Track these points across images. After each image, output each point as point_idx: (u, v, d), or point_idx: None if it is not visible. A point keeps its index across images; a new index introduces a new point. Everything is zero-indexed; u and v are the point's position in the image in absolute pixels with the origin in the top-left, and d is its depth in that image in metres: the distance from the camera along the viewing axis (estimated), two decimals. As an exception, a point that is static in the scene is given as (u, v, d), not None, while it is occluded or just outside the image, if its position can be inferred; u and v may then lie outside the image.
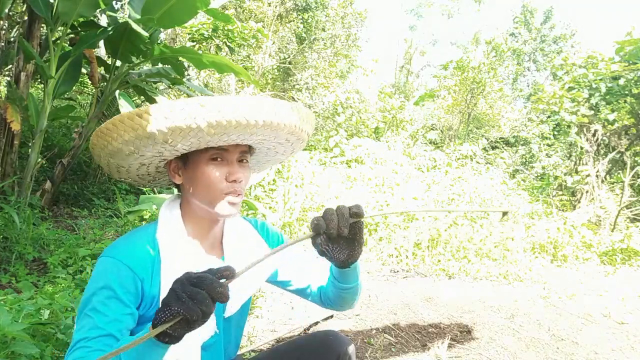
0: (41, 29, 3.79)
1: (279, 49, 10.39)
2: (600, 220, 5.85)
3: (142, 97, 4.96)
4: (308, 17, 10.52)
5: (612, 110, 6.06)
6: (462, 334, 2.61)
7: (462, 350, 2.40)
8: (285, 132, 0.96)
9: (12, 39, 4.11)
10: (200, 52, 6.37)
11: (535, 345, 2.52)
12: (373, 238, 4.36)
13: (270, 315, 2.64)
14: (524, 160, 9.56)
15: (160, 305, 0.74)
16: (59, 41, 3.53)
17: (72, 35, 4.02)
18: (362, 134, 9.77)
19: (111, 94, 4.19)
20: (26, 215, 3.19)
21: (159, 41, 4.47)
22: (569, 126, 7.03)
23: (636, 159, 6.38)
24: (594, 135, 6.52)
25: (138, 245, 0.97)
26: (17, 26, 4.33)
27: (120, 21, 3.73)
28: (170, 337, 0.73)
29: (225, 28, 6.61)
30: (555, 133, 7.92)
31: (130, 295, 0.92)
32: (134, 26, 3.33)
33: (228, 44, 6.85)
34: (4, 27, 4.00)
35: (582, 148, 6.74)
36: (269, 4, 10.12)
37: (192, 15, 3.95)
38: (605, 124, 6.20)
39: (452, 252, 4.18)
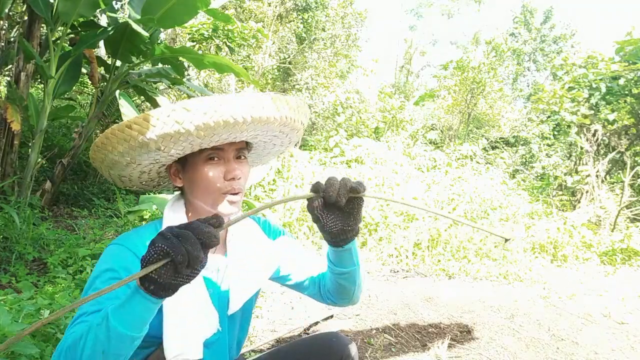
0: (41, 29, 3.79)
1: (279, 49, 10.39)
2: (600, 220, 5.85)
3: (142, 97, 4.96)
4: (308, 17, 10.51)
5: (612, 110, 6.06)
6: (462, 334, 2.61)
7: (462, 350, 2.40)
8: (277, 125, 0.96)
9: (12, 39, 4.11)
10: (200, 52, 6.38)
11: (535, 345, 2.52)
12: (373, 238, 4.36)
13: (270, 315, 2.64)
14: (524, 160, 9.56)
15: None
16: (59, 41, 3.53)
17: (72, 35, 4.02)
18: (362, 134, 9.77)
19: (111, 94, 4.19)
20: (26, 215, 3.19)
21: (159, 41, 4.47)
22: (569, 126, 7.03)
23: (636, 159, 6.38)
24: (594, 135, 6.52)
25: (145, 236, 0.98)
26: (17, 26, 4.34)
27: (120, 21, 3.74)
28: (154, 284, 0.71)
29: (225, 28, 6.61)
30: (555, 133, 7.92)
31: (134, 284, 0.93)
32: (134, 26, 3.33)
33: (228, 44, 6.85)
34: (4, 27, 4.00)
35: (582, 148, 6.74)
36: (269, 4, 10.11)
37: (192, 15, 3.95)
38: (605, 124, 6.20)
39: (452, 252, 4.18)
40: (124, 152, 0.91)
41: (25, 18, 3.76)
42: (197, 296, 0.98)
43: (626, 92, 6.01)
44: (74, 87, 5.33)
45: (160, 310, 0.93)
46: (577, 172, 6.72)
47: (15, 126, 3.26)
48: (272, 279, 1.20)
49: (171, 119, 0.85)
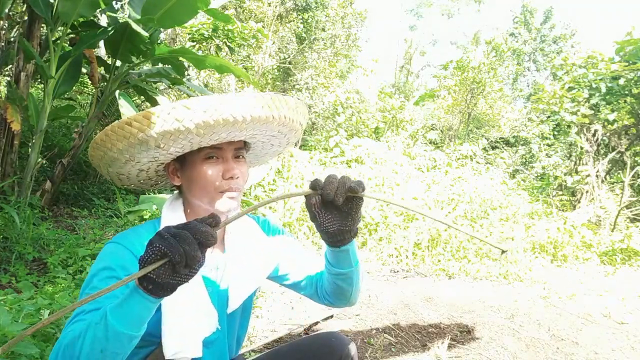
0: (41, 29, 3.79)
1: (279, 49, 10.38)
2: (600, 220, 5.85)
3: (142, 97, 4.96)
4: (308, 17, 10.51)
5: (612, 110, 6.05)
6: (462, 334, 2.61)
7: (462, 350, 2.40)
8: (276, 125, 0.96)
9: (12, 39, 4.11)
10: (200, 52, 6.38)
11: (535, 345, 2.52)
12: (373, 238, 4.36)
13: (270, 315, 2.64)
14: (524, 160, 9.56)
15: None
16: (59, 41, 3.53)
17: (72, 35, 4.02)
18: (362, 134, 9.77)
19: (111, 94, 4.19)
20: (26, 215, 3.19)
21: (159, 41, 4.47)
22: (569, 126, 7.03)
23: (636, 159, 6.38)
24: (594, 135, 6.51)
25: (143, 235, 0.99)
26: (17, 26, 4.33)
27: (120, 21, 3.74)
28: (152, 284, 0.71)
29: (225, 28, 6.60)
30: (555, 133, 7.92)
31: (132, 284, 0.93)
32: (134, 26, 3.33)
33: (228, 44, 6.85)
34: (4, 27, 4.00)
35: (582, 148, 6.73)
36: (269, 4, 10.11)
37: (192, 15, 3.95)
38: (605, 124, 6.20)
39: (452, 252, 4.18)
40: (124, 150, 0.92)
41: (25, 18, 3.76)
42: (195, 295, 0.98)
43: (626, 92, 6.00)
44: (74, 87, 5.32)
45: (159, 309, 0.93)
46: (577, 172, 6.72)
47: (15, 126, 3.26)
48: (270, 278, 1.20)
49: (171, 117, 0.86)
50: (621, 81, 6.02)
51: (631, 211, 6.03)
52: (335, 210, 0.90)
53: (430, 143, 10.65)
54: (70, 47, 3.81)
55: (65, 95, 4.86)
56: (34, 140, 3.68)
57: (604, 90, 6.13)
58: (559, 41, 16.86)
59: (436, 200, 5.60)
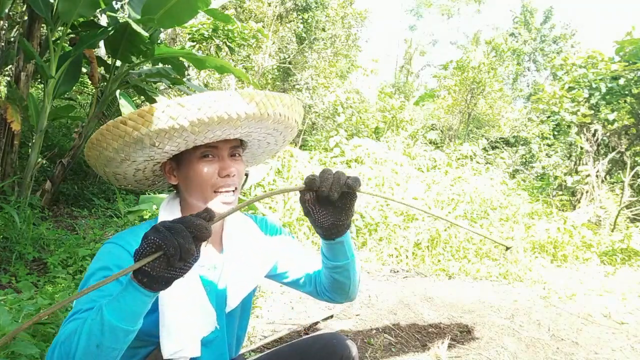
0: (41, 29, 3.80)
1: (279, 49, 10.38)
2: (600, 220, 5.85)
3: (142, 97, 4.96)
4: (308, 17, 10.51)
5: (612, 110, 6.05)
6: (462, 334, 2.61)
7: (462, 350, 2.40)
8: (271, 122, 0.96)
9: (12, 39, 4.11)
10: (200, 52, 6.38)
11: (535, 345, 2.52)
12: (373, 238, 4.36)
13: (270, 315, 2.64)
14: (524, 160, 9.55)
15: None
16: (59, 41, 3.53)
17: (72, 35, 4.02)
18: (362, 134, 9.77)
19: (111, 94, 4.19)
20: (26, 215, 3.19)
21: (159, 41, 4.47)
22: (569, 126, 7.03)
23: (636, 159, 6.37)
24: (594, 135, 6.51)
25: (140, 235, 0.98)
26: (17, 26, 4.34)
27: (120, 21, 3.74)
28: (147, 277, 0.72)
29: (225, 28, 6.61)
30: (555, 133, 7.92)
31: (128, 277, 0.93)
32: (134, 26, 3.33)
33: (228, 44, 6.85)
34: (4, 27, 4.00)
35: (582, 148, 6.73)
36: (269, 4, 10.11)
37: (192, 15, 3.96)
38: (605, 124, 6.19)
39: (452, 252, 4.18)
40: (119, 149, 0.91)
41: (25, 18, 3.76)
42: (193, 294, 0.98)
43: (626, 92, 6.00)
44: (74, 87, 5.33)
45: (157, 309, 0.93)
46: (577, 172, 6.72)
47: (15, 126, 3.26)
48: (269, 277, 1.20)
49: (165, 115, 0.85)
50: (621, 81, 6.01)
51: (631, 211, 6.03)
52: (330, 205, 0.91)
53: (430, 143, 10.65)
54: (70, 47, 3.82)
55: (65, 95, 4.86)
56: (34, 140, 3.68)
57: (604, 90, 6.13)
58: (559, 41, 16.85)
59: (436, 200, 5.60)
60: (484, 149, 10.08)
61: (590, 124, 6.43)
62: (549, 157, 8.00)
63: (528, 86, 17.10)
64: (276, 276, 1.20)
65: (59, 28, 3.68)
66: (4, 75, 5.26)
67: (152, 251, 0.70)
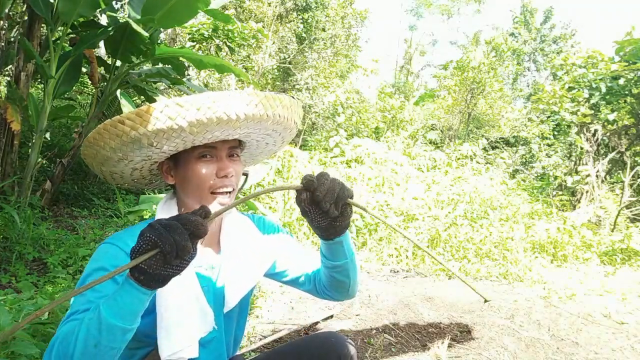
0: (41, 29, 3.79)
1: (279, 49, 10.38)
2: (600, 220, 5.85)
3: (142, 97, 4.96)
4: (308, 17, 10.51)
5: (612, 110, 6.05)
6: (462, 334, 2.61)
7: (462, 350, 2.40)
8: (270, 123, 0.95)
9: (12, 39, 4.11)
10: (200, 52, 6.38)
11: (535, 345, 2.52)
12: (373, 238, 4.36)
13: (270, 315, 2.64)
14: (524, 160, 9.56)
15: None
16: (59, 41, 3.53)
17: (72, 35, 4.02)
18: (362, 134, 9.77)
19: (111, 94, 4.19)
20: (26, 215, 3.19)
21: (159, 41, 4.48)
22: (569, 126, 7.03)
23: (636, 159, 6.37)
24: (594, 135, 6.51)
25: (137, 235, 0.98)
26: (17, 26, 4.34)
27: (120, 21, 3.74)
28: (144, 274, 0.72)
29: (225, 28, 6.61)
30: (555, 133, 7.92)
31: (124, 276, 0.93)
32: (134, 26, 3.33)
33: (228, 44, 6.85)
34: (4, 27, 4.00)
35: (582, 148, 6.73)
36: (269, 4, 10.11)
37: (192, 16, 3.96)
38: (605, 124, 6.19)
39: (452, 252, 4.17)
40: (116, 148, 0.91)
41: (25, 18, 3.76)
42: (191, 294, 0.97)
43: (626, 92, 6.00)
44: (74, 87, 5.33)
45: (154, 310, 0.93)
46: (577, 172, 6.72)
47: (15, 126, 3.26)
48: (268, 276, 1.20)
49: (164, 115, 0.85)
50: (621, 81, 6.01)
51: (631, 211, 6.03)
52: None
53: (430, 143, 10.65)
54: (70, 47, 3.82)
55: (65, 95, 4.86)
56: (34, 140, 3.68)
57: (604, 90, 6.13)
58: (559, 41, 16.85)
59: (436, 200, 5.60)
60: (484, 149, 10.08)
61: (590, 124, 6.43)
62: (549, 157, 8.01)
63: (528, 86, 17.11)
64: (275, 275, 1.20)
65: (59, 28, 3.68)
66: (4, 75, 5.27)
67: (149, 248, 0.70)
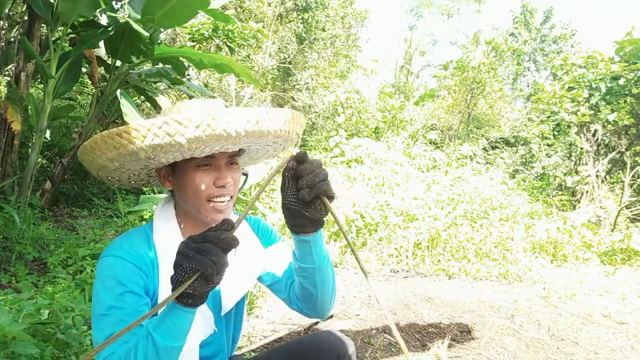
0: (41, 29, 3.79)
1: (279, 49, 10.38)
2: (600, 220, 5.85)
3: (142, 97, 4.96)
4: (308, 17, 10.51)
5: (612, 110, 6.05)
6: (462, 334, 2.61)
7: (462, 350, 2.40)
8: (271, 137, 0.94)
9: (12, 39, 4.11)
10: (200, 52, 6.37)
11: (535, 345, 2.52)
12: (373, 238, 4.36)
13: (270, 315, 2.64)
14: (524, 160, 9.55)
15: (173, 269, 0.76)
16: (59, 41, 3.53)
17: (72, 35, 4.02)
18: (362, 134, 9.77)
19: (111, 94, 4.19)
20: (26, 215, 3.19)
21: (159, 41, 4.48)
22: (569, 126, 7.03)
23: (636, 159, 6.37)
24: (594, 135, 6.51)
25: (136, 244, 0.97)
26: (17, 26, 4.34)
27: (120, 21, 3.74)
28: (192, 298, 0.76)
29: (225, 28, 6.61)
30: (555, 133, 7.92)
31: (141, 288, 0.93)
32: (134, 26, 3.33)
33: (228, 44, 6.85)
34: (4, 27, 4.00)
35: (582, 148, 6.73)
36: (269, 4, 10.11)
37: (192, 16, 3.96)
38: (605, 124, 6.19)
39: (451, 252, 4.17)
40: (113, 159, 0.90)
41: (26, 18, 3.77)
42: None
43: (626, 92, 6.00)
44: (74, 87, 5.33)
45: (156, 314, 0.93)
46: (577, 172, 6.72)
47: (15, 126, 3.26)
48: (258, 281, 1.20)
49: (162, 131, 0.83)
50: (621, 81, 6.01)
51: (631, 211, 6.03)
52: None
53: (430, 143, 10.64)
54: (70, 47, 3.82)
55: (65, 95, 4.87)
56: (34, 140, 3.68)
57: (604, 90, 6.13)
58: (559, 41, 16.85)
59: (436, 200, 5.60)
60: (484, 149, 10.08)
61: (590, 124, 6.43)
62: (549, 157, 8.00)
63: (528, 86, 17.10)
64: (259, 278, 1.19)
65: (59, 28, 3.68)
66: (4, 75, 5.27)
67: (191, 276, 0.74)
